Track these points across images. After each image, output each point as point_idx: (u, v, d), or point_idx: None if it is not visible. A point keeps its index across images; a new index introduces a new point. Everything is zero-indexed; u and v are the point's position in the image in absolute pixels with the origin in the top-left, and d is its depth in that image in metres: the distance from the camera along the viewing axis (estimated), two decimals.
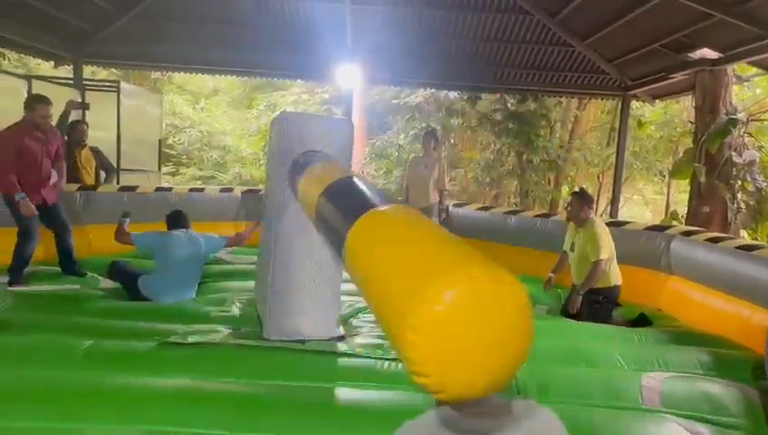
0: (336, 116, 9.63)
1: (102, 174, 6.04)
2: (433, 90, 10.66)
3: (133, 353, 2.46)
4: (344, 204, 1.44)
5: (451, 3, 7.01)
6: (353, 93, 8.30)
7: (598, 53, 7.39)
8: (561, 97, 9.86)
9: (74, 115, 5.93)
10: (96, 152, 5.93)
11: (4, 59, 10.23)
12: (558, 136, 11.25)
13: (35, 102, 4.05)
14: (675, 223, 6.49)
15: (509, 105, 10.27)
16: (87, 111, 6.41)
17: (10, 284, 3.84)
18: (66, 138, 5.45)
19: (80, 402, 2.00)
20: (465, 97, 10.53)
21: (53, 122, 4.64)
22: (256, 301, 3.26)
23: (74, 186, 5.21)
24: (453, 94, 10.85)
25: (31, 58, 9.50)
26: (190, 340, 2.60)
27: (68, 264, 4.24)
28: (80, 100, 6.47)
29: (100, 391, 2.06)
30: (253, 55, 7.75)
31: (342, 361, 2.56)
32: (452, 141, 12.88)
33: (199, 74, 9.29)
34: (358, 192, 1.49)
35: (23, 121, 4.04)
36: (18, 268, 3.92)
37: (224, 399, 2.13)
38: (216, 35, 7.51)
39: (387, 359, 2.57)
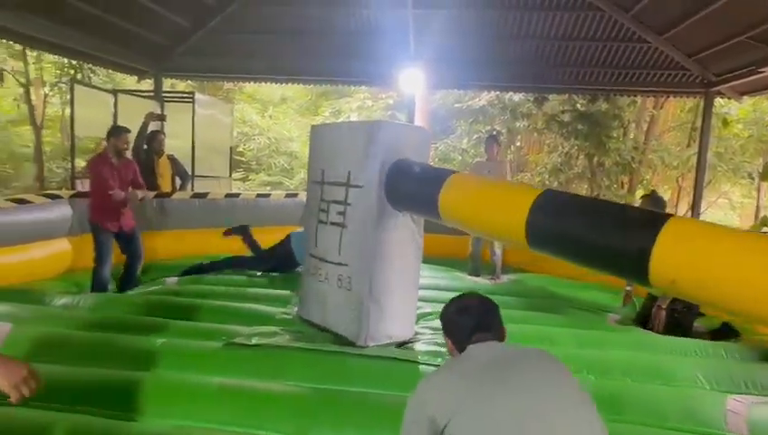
0: (400, 121, 9.66)
1: (178, 180, 6.37)
2: (497, 92, 10.44)
3: (201, 353, 2.55)
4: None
5: (516, 3, 6.85)
6: (416, 98, 8.28)
7: (677, 48, 6.94)
8: (635, 96, 9.34)
9: (153, 126, 6.31)
10: (172, 160, 6.28)
11: (94, 75, 11.09)
12: (632, 137, 10.67)
13: (114, 133, 4.40)
14: (765, 229, 5.97)
15: (578, 106, 9.87)
16: (164, 122, 6.79)
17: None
18: (146, 147, 5.83)
19: (152, 398, 2.09)
20: (532, 98, 10.23)
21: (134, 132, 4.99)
22: (307, 306, 3.28)
23: (151, 193, 5.55)
24: (518, 96, 10.58)
25: (117, 74, 10.22)
26: (253, 341, 2.67)
27: (126, 286, 4.36)
28: (159, 111, 6.87)
29: (169, 388, 2.15)
30: (319, 63, 7.93)
31: (403, 367, 2.52)
32: (517, 144, 12.56)
33: (268, 84, 9.62)
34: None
35: (103, 150, 4.40)
36: (96, 289, 4.20)
37: (283, 401, 2.15)
38: (283, 46, 7.75)
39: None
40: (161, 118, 6.56)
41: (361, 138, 2.85)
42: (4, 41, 8.72)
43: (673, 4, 6.14)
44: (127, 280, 4.42)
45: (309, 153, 3.34)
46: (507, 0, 6.85)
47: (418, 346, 2.86)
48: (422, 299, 3.78)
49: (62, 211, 4.74)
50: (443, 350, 2.73)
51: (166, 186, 6.01)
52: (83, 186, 6.64)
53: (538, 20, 7.02)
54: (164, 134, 6.17)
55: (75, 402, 2.07)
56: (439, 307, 3.53)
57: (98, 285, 4.21)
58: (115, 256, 4.38)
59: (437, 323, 3.23)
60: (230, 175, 8.98)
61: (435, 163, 12.58)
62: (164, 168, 6.05)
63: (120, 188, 4.30)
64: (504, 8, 6.93)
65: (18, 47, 10.23)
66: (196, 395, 2.13)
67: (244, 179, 13.94)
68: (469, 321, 1.55)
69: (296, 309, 3.42)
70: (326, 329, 3.08)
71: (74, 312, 3.35)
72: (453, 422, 1.23)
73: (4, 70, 11.62)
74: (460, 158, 11.99)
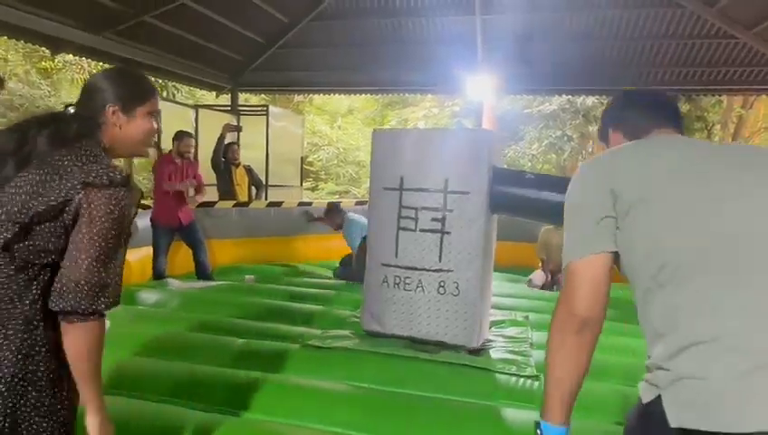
0: (466, 128, 9.58)
1: (253, 190, 6.69)
2: (569, 96, 10.14)
3: (280, 353, 2.65)
4: None
5: (586, 2, 6.63)
6: (484, 104, 8.20)
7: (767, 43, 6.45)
8: (721, 96, 8.75)
9: (229, 137, 6.69)
10: (249, 170, 6.62)
11: (177, 92, 11.87)
12: (717, 139, 9.99)
13: (178, 137, 4.91)
14: None
15: None
16: (240, 133, 7.15)
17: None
18: (223, 158, 6.20)
19: (233, 395, 2.20)
20: (606, 101, 9.84)
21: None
22: (382, 318, 3.03)
23: (230, 202, 5.85)
24: (591, 99, 10.21)
25: (197, 90, 10.88)
26: (327, 344, 2.75)
27: (203, 274, 4.87)
28: (234, 123, 7.24)
29: (249, 386, 2.25)
30: (386, 73, 8.06)
31: (474, 374, 2.50)
32: (590, 150, 12.11)
33: (336, 95, 9.88)
34: None
35: (168, 152, 4.91)
36: (156, 277, 4.65)
37: (354, 402, 2.20)
38: (351, 58, 7.95)
39: (521, 376, 2.46)
40: (237, 129, 6.92)
41: (465, 145, 2.98)
42: (101, 63, 9.52)
43: None
44: (199, 269, 4.86)
45: (374, 160, 3.12)
46: (572, 2, 6.65)
47: (491, 353, 2.82)
48: (492, 306, 3.75)
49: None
50: (518, 358, 2.68)
51: (243, 195, 6.32)
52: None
53: (612, 19, 6.76)
54: (238, 145, 6.52)
55: (168, 394, 2.22)
56: (511, 315, 3.51)
57: (155, 274, 4.68)
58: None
59: (510, 331, 3.20)
60: (301, 184, 9.28)
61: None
62: (241, 178, 6.40)
63: (184, 190, 4.75)
64: (574, 9, 6.73)
65: None
66: (274, 392, 2.22)
67: (313, 189, 14.35)
68: (649, 110, 1.26)
69: (362, 323, 3.13)
70: (416, 339, 2.94)
71: (164, 311, 3.60)
72: (644, 203, 1.02)
73: None
74: (529, 164, 11.72)
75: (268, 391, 2.21)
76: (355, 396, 2.26)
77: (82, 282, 1.08)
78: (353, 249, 5.18)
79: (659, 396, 0.94)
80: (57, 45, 6.21)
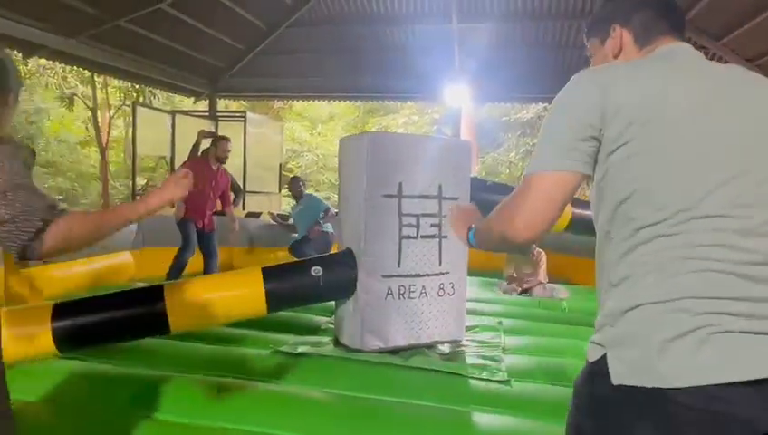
0: (445, 135, 9.66)
1: (231, 195, 6.65)
2: (546, 104, 10.30)
3: (249, 359, 2.63)
4: None
5: (561, 13, 6.77)
6: (461, 112, 8.29)
7: (735, 54, 6.65)
8: None
9: (205, 143, 6.62)
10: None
11: (154, 98, 11.74)
12: None
13: (217, 141, 4.92)
14: None
15: None
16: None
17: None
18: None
19: (201, 401, 2.17)
20: None
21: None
22: (382, 333, 2.89)
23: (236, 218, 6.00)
24: None
25: (175, 96, 10.79)
26: (299, 350, 2.73)
27: None
28: (213, 130, 7.19)
29: (218, 392, 2.22)
30: (366, 80, 8.10)
31: (448, 379, 2.51)
32: None
33: (317, 101, 9.88)
34: None
35: (204, 154, 4.91)
36: (172, 273, 4.63)
37: (324, 408, 2.19)
38: (330, 65, 7.97)
39: (492, 380, 2.48)
40: (213, 135, 6.86)
41: (453, 152, 3.07)
42: (75, 68, 9.38)
43: (728, 8, 5.91)
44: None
45: (367, 164, 2.83)
46: (550, 11, 6.78)
47: (462, 359, 2.83)
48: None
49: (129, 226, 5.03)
50: (489, 363, 2.70)
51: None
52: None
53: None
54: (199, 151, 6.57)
55: (133, 401, 2.18)
56: (484, 320, 3.53)
57: (174, 267, 4.66)
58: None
59: (482, 336, 3.22)
60: (279, 191, 9.23)
61: (482, 176, 12.48)
62: None
63: (214, 195, 4.80)
64: (548, 19, 6.86)
65: (87, 73, 10.97)
66: (240, 398, 2.20)
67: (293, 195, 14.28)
68: (662, 12, 1.11)
69: (358, 343, 2.88)
70: (417, 345, 2.94)
71: None
72: (644, 129, 0.91)
73: (75, 95, 12.48)
74: (508, 171, 11.86)
75: (237, 397, 2.19)
76: (326, 403, 2.25)
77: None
78: (302, 224, 5.70)
79: (605, 355, 0.94)
80: (30, 49, 6.11)
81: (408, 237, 2.91)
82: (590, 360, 0.98)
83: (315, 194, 6.05)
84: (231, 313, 2.57)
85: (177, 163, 6.63)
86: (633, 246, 0.94)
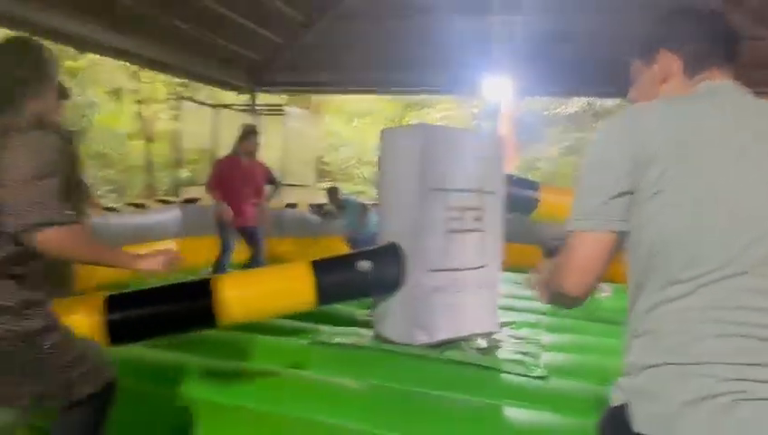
0: (484, 130, 9.55)
1: (269, 188, 6.78)
2: (589, 98, 10.03)
3: (288, 349, 2.68)
4: None
5: (610, 5, 6.56)
6: (500, 106, 8.17)
7: None
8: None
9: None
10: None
11: (198, 92, 12.05)
12: None
13: (244, 136, 4.74)
14: None
15: None
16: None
17: None
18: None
19: (243, 387, 2.23)
20: (626, 104, 9.70)
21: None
22: (428, 328, 2.89)
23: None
24: (611, 102, 10.10)
25: (218, 90, 11.04)
26: (336, 341, 2.77)
27: None
28: (254, 124, 7.34)
29: (257, 379, 2.28)
30: (405, 75, 8.06)
31: (483, 373, 2.49)
32: None
33: (354, 96, 9.93)
34: None
35: (234, 150, 4.72)
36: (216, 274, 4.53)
37: (361, 397, 2.21)
38: (369, 59, 7.97)
39: (529, 376, 2.45)
40: (253, 129, 7.01)
41: (490, 146, 3.19)
42: (124, 63, 9.72)
43: None
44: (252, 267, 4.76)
45: (419, 157, 2.80)
46: (594, 3, 6.58)
47: (499, 354, 2.81)
48: (502, 307, 3.74)
49: (174, 215, 5.21)
50: (527, 359, 2.67)
51: None
52: (187, 193, 7.23)
53: (636, 21, 6.67)
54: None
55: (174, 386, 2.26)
56: (522, 316, 3.48)
57: (215, 271, 4.49)
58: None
59: (521, 332, 3.18)
60: (316, 184, 9.35)
61: (521, 172, 12.27)
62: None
63: (248, 189, 4.61)
64: (592, 11, 6.66)
65: (135, 68, 11.34)
66: (280, 385, 2.25)
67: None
68: (715, 40, 1.04)
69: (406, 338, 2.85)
70: (461, 339, 2.97)
71: None
72: (679, 179, 0.89)
73: (123, 89, 12.95)
74: (547, 166, 11.62)
75: (277, 384, 2.24)
76: (362, 392, 2.27)
77: (33, 202, 1.24)
78: (354, 231, 5.44)
79: (627, 403, 0.94)
80: (81, 45, 6.36)
81: (454, 231, 2.92)
82: (613, 404, 0.98)
83: (350, 197, 5.89)
84: (280, 307, 2.56)
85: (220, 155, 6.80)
86: (661, 301, 0.92)
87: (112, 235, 4.35)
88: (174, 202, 5.45)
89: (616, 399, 0.98)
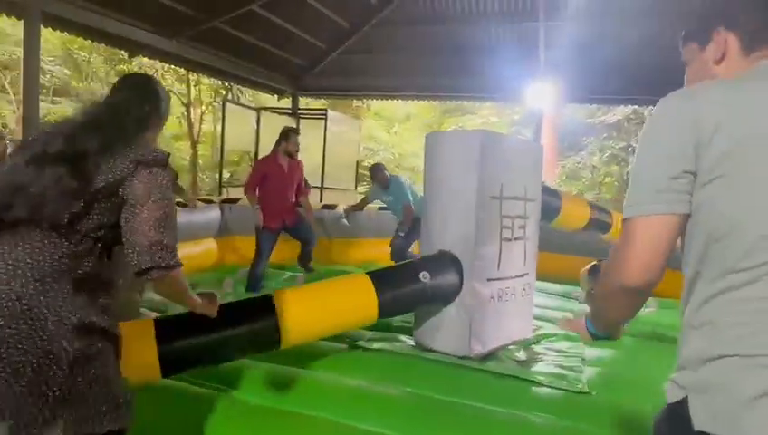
0: (525, 137, 9.41)
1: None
2: (636, 106, 9.74)
3: (326, 352, 2.69)
4: None
5: (657, 9, 6.35)
6: (543, 113, 8.03)
7: None
8: None
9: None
10: None
11: (242, 95, 12.35)
12: None
13: (285, 136, 4.70)
14: None
15: None
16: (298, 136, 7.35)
17: (247, 291, 4.47)
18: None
19: (280, 389, 2.25)
20: None
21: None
22: (481, 338, 2.82)
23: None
24: None
25: (261, 93, 11.28)
26: (375, 346, 2.76)
27: (303, 260, 4.90)
28: (294, 127, 7.46)
29: (293, 382, 2.29)
30: (446, 80, 8.05)
31: (523, 385, 2.43)
32: None
33: (394, 101, 9.95)
34: None
35: (274, 151, 4.72)
36: (250, 285, 4.46)
37: (398, 403, 2.19)
38: (411, 64, 7.99)
39: (571, 391, 2.37)
40: (295, 132, 7.11)
41: (533, 154, 3.20)
42: (173, 67, 10.06)
43: None
44: (302, 256, 4.87)
45: (479, 164, 2.71)
46: (642, 9, 6.39)
47: (539, 367, 2.74)
48: (536, 317, 3.67)
49: (214, 214, 5.34)
50: (568, 373, 2.59)
51: None
52: (228, 193, 7.40)
53: (682, 25, 6.44)
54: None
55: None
56: (559, 329, 3.39)
57: (250, 282, 4.44)
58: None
59: (562, 345, 3.09)
60: (355, 188, 9.40)
61: (562, 181, 12.00)
62: None
63: (288, 188, 4.59)
64: (639, 17, 6.47)
65: (183, 71, 11.72)
66: (317, 388, 2.25)
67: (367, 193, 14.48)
68: None
69: (464, 351, 2.76)
70: (502, 348, 2.94)
71: None
72: (739, 162, 0.84)
73: (171, 92, 13.39)
74: (590, 175, 11.33)
75: (313, 387, 2.25)
76: (399, 398, 2.25)
77: (153, 242, 1.28)
78: (399, 208, 5.30)
79: (686, 398, 0.89)
80: (134, 49, 6.61)
81: (506, 239, 2.91)
82: (670, 400, 0.93)
83: (400, 176, 5.66)
84: (343, 324, 2.42)
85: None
86: (720, 290, 0.88)
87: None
88: (215, 202, 5.58)
89: (673, 395, 0.93)
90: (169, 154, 1.41)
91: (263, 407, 2.13)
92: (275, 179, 4.51)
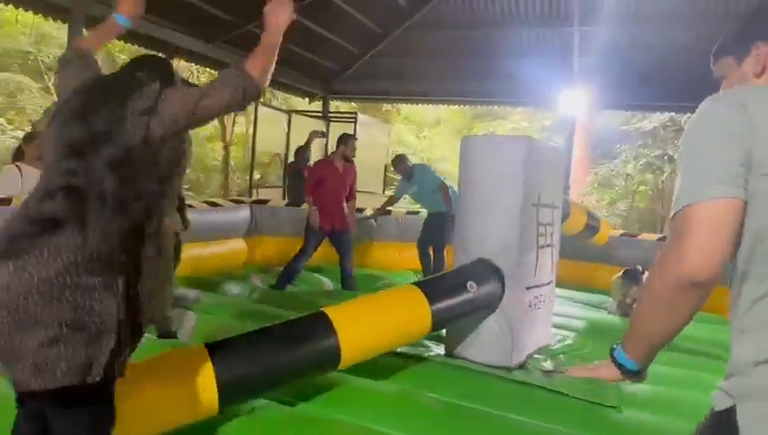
0: (556, 143, 9.28)
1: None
2: (672, 113, 9.47)
3: None
4: None
5: (696, 15, 6.16)
6: (576, 120, 7.89)
7: None
8: None
9: (316, 142, 7.07)
10: None
11: (273, 98, 12.52)
12: None
13: (344, 141, 4.75)
14: None
15: None
16: (326, 139, 7.46)
17: (274, 288, 4.53)
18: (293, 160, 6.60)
19: (310, 392, 2.24)
20: None
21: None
22: (516, 347, 2.77)
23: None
24: None
25: (291, 96, 11.42)
26: (406, 353, 2.74)
27: (345, 282, 4.69)
28: (324, 130, 7.55)
29: (327, 388, 2.29)
30: (477, 85, 8.00)
31: (550, 397, 2.38)
32: None
33: (423, 105, 9.93)
34: None
35: (332, 154, 4.81)
36: (285, 277, 4.53)
37: (428, 411, 2.17)
38: (442, 68, 7.97)
39: (600, 404, 2.31)
40: (323, 135, 7.23)
41: (560, 160, 3.22)
42: (209, 69, 10.27)
43: None
44: (343, 279, 4.69)
45: (525, 171, 2.68)
46: (681, 13, 6.21)
47: (567, 378, 2.67)
48: (564, 327, 3.61)
49: (244, 215, 5.43)
50: (597, 387, 2.52)
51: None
52: (258, 194, 7.52)
53: (724, 33, 6.24)
54: (310, 150, 6.82)
55: None
56: (585, 340, 3.31)
57: (284, 273, 4.52)
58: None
59: (590, 355, 3.02)
60: (383, 192, 9.40)
61: (593, 189, 11.76)
62: None
63: (341, 192, 4.65)
64: (677, 22, 6.29)
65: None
66: (350, 394, 2.24)
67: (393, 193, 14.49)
68: None
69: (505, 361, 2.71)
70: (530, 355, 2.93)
71: (243, 303, 3.80)
72: None
73: None
74: (623, 184, 11.06)
75: (347, 392, 2.23)
76: (429, 406, 2.22)
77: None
78: (424, 197, 5.26)
79: (734, 407, 0.85)
80: (172, 52, 6.78)
81: (542, 246, 2.92)
82: (717, 408, 0.89)
83: (425, 164, 5.50)
84: (401, 339, 2.34)
85: (290, 159, 7.06)
86: None
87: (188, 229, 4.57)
88: (245, 202, 5.68)
89: (720, 402, 0.89)
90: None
91: (295, 413, 2.11)
92: (331, 182, 4.59)
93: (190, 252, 4.69)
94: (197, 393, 1.66)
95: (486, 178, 2.75)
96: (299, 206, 5.60)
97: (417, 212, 6.25)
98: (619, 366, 1.09)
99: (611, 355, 1.10)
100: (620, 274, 4.42)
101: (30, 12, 5.35)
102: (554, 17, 6.86)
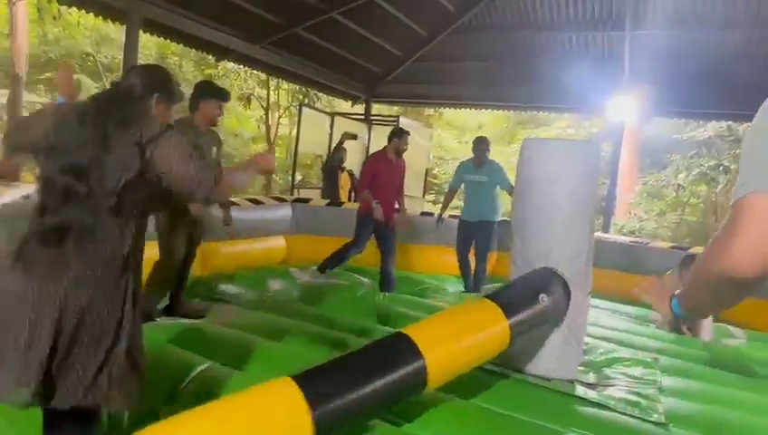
0: (604, 152, 9.01)
1: (353, 194, 7.13)
2: (729, 122, 9.05)
3: None
4: None
5: (751, 21, 5.87)
6: (625, 127, 7.63)
7: None
8: None
9: (348, 144, 7.20)
10: (351, 175, 7.13)
11: (318, 100, 12.69)
12: None
13: (398, 135, 4.85)
14: None
15: None
16: (367, 141, 7.56)
17: (319, 269, 4.65)
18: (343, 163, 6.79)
19: None
20: None
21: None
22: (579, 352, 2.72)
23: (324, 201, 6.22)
24: None
25: (335, 99, 11.55)
26: None
27: (385, 282, 4.67)
28: (354, 132, 7.66)
29: None
30: (522, 90, 7.87)
31: (593, 410, 2.30)
32: None
33: (466, 110, 9.84)
34: None
35: (384, 148, 4.89)
36: (332, 260, 4.65)
37: (465, 416, 2.13)
38: (487, 73, 7.88)
39: (646, 420, 2.22)
40: (354, 137, 7.37)
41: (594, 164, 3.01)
42: (255, 71, 10.52)
43: None
44: (383, 278, 4.67)
45: (593, 177, 2.65)
46: (737, 18, 5.92)
47: (611, 391, 2.58)
48: (607, 339, 3.47)
49: (285, 213, 5.53)
50: (642, 401, 2.42)
51: (343, 197, 6.92)
52: (299, 194, 7.64)
53: None
54: (345, 150, 6.94)
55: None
56: (637, 354, 3.17)
57: (335, 257, 4.62)
58: None
59: (635, 371, 2.90)
60: (423, 196, 9.37)
61: (642, 199, 11.34)
62: (344, 181, 7.00)
63: (394, 185, 4.76)
64: (734, 27, 6.00)
65: (264, 76, 12.22)
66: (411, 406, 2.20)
67: (434, 202, 14.42)
68: None
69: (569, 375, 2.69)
70: None
71: (285, 300, 3.86)
72: None
73: (252, 95, 14.00)
74: (674, 195, 10.62)
75: (441, 411, 2.18)
76: (466, 411, 2.18)
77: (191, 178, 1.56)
78: (483, 193, 5.13)
79: None
80: (221, 53, 6.98)
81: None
82: None
83: (498, 163, 5.25)
84: (484, 355, 2.24)
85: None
86: None
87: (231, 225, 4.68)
88: (287, 201, 5.79)
89: None
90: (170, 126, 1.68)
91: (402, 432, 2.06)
92: (385, 175, 4.65)
93: (232, 248, 4.84)
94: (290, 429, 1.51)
95: (554, 182, 2.59)
96: (336, 205, 5.67)
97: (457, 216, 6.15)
98: (674, 311, 1.13)
99: (671, 299, 1.13)
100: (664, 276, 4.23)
101: (91, 14, 5.61)
102: (604, 20, 6.68)
